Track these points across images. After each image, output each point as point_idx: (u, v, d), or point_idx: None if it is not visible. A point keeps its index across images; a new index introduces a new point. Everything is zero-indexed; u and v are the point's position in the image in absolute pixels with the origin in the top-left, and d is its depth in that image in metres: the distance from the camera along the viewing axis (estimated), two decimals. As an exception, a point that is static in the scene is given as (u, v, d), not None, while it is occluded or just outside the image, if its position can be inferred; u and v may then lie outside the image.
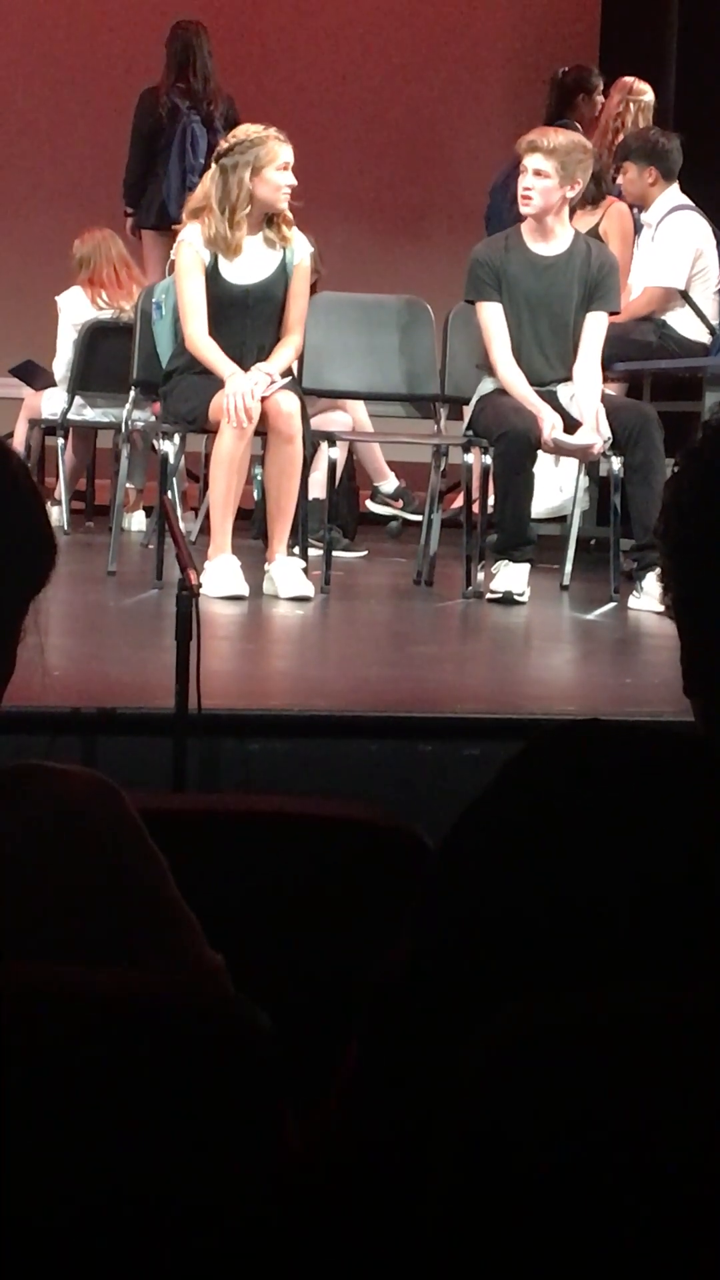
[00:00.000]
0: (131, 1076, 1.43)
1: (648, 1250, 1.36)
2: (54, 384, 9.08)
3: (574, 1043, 1.38)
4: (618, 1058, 1.37)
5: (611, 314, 7.15)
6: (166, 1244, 1.43)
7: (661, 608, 6.17)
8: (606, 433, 6.84)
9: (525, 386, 6.86)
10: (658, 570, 7.33)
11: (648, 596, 6.61)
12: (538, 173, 6.90)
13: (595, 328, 7.00)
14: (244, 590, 6.46)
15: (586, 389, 6.89)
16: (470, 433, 7.07)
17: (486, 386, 7.01)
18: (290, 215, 6.86)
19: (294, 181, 6.79)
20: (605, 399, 7.05)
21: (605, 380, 7.57)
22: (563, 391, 6.95)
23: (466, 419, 7.14)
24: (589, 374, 6.94)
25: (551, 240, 7.01)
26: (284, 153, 6.77)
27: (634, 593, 6.72)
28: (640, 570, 6.75)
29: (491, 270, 6.98)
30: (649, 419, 6.91)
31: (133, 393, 7.42)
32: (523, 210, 6.98)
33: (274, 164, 6.75)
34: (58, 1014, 1.43)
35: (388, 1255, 1.46)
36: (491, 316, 6.96)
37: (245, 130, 7.01)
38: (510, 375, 6.88)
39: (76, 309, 8.98)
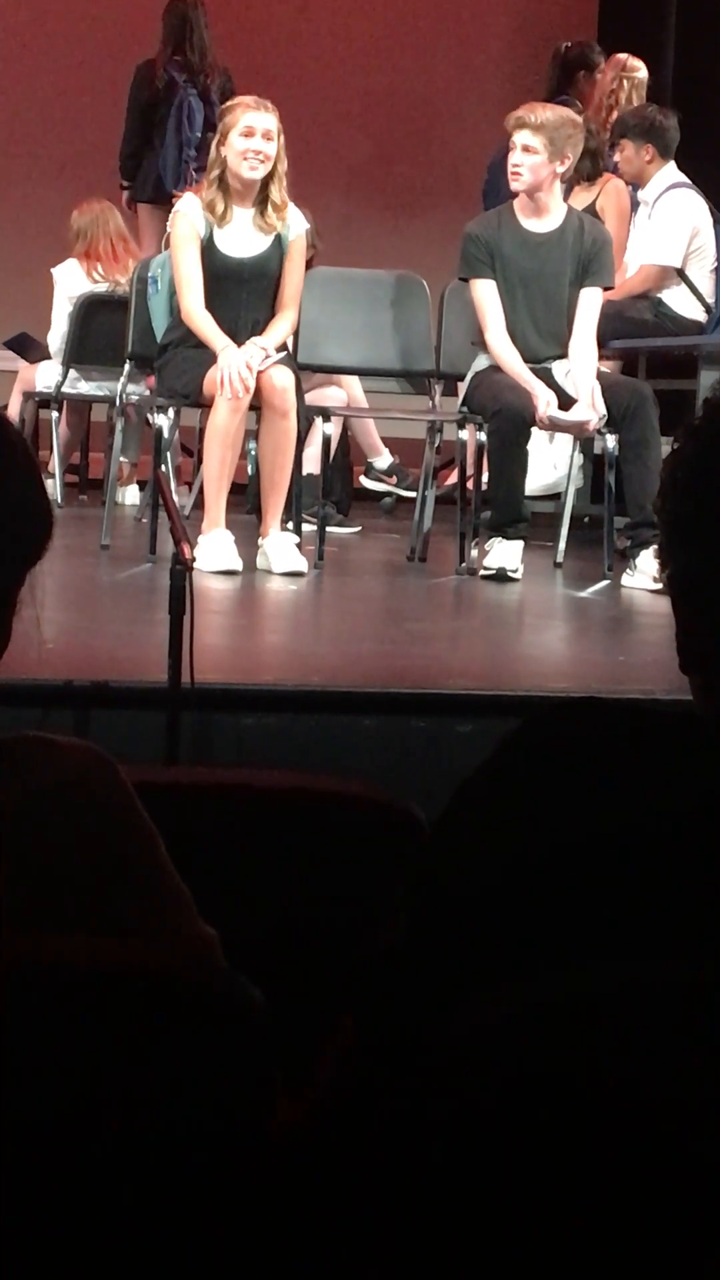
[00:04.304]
0: (123, 1049, 1.43)
1: (643, 1225, 1.37)
2: (49, 357, 9.06)
3: (568, 1018, 1.38)
4: (612, 1033, 1.37)
5: (605, 289, 7.14)
6: (160, 1216, 1.44)
7: (655, 585, 6.14)
8: (602, 409, 6.84)
9: (519, 363, 6.85)
10: (652, 548, 7.34)
11: (641, 574, 6.61)
12: (526, 149, 6.89)
13: (589, 304, 6.99)
14: (237, 565, 6.46)
15: (582, 366, 6.89)
16: (465, 409, 7.06)
17: (481, 363, 7.00)
18: (280, 195, 6.81)
19: (259, 147, 6.69)
20: (601, 376, 7.04)
21: (600, 358, 7.56)
22: (558, 368, 6.94)
23: (461, 395, 7.13)
24: (584, 351, 6.93)
25: (544, 216, 7.00)
26: (248, 118, 6.72)
27: (627, 570, 6.72)
28: (634, 548, 6.75)
29: (484, 247, 6.97)
30: (645, 396, 6.91)
31: (127, 366, 7.41)
32: (512, 187, 6.97)
33: (236, 129, 6.73)
34: (49, 986, 1.44)
35: (380, 1227, 1.47)
36: (485, 294, 6.95)
37: (234, 99, 7.05)
38: (504, 352, 6.88)
39: (72, 282, 8.96)
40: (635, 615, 6.24)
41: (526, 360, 6.88)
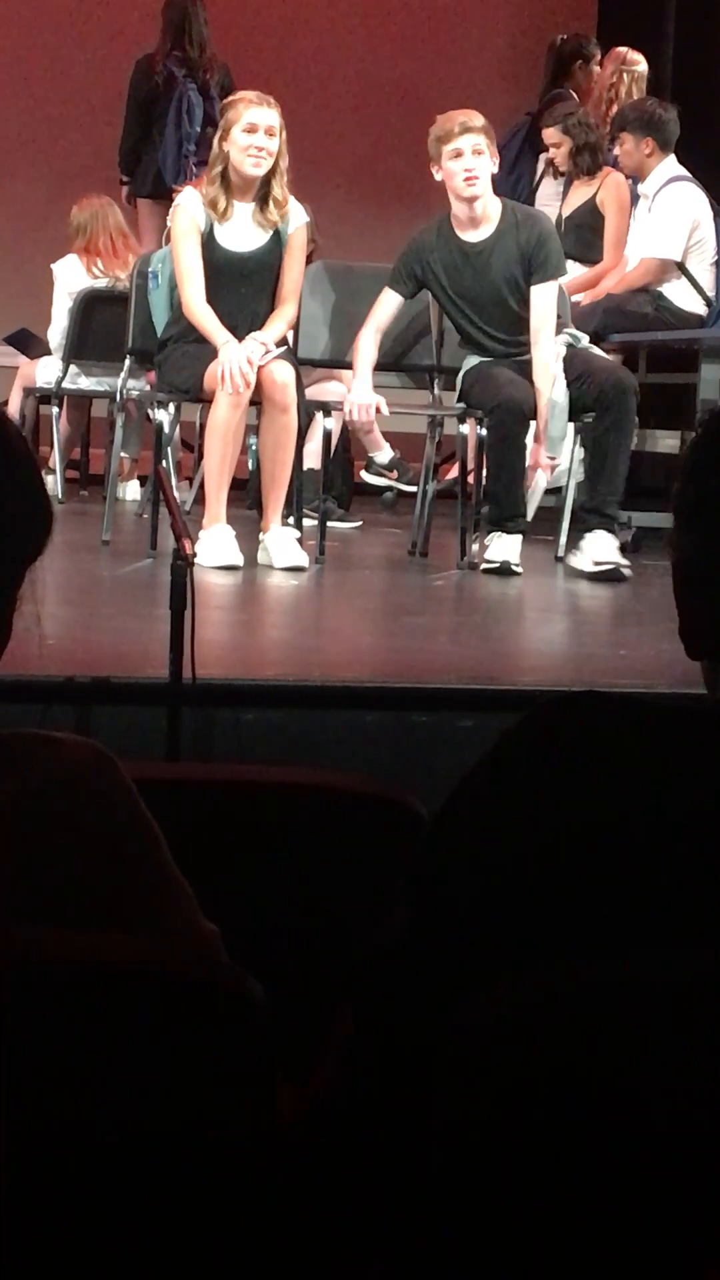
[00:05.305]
0: (125, 1044, 1.43)
1: (644, 1221, 1.37)
2: (49, 352, 9.05)
3: (569, 1013, 1.38)
4: (614, 1028, 1.37)
5: (560, 277, 7.08)
6: (161, 1211, 1.44)
7: (594, 569, 6.38)
8: (557, 450, 6.83)
9: (364, 366, 6.95)
10: (597, 533, 7.39)
11: (583, 556, 6.72)
12: (477, 151, 6.85)
13: (542, 302, 6.91)
14: (238, 560, 6.46)
15: (541, 373, 6.80)
16: (463, 404, 7.06)
17: (471, 361, 7.02)
18: (281, 191, 6.81)
19: (262, 143, 6.69)
20: (586, 360, 6.96)
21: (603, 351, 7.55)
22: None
23: (457, 393, 7.13)
24: (543, 355, 6.83)
25: (481, 225, 6.94)
26: (250, 114, 6.72)
27: (574, 551, 6.79)
28: (581, 530, 6.80)
29: (411, 266, 6.98)
30: (625, 387, 6.85)
31: (128, 361, 7.41)
32: (471, 192, 6.84)
33: (238, 124, 6.72)
34: (52, 982, 1.44)
35: (381, 1223, 1.47)
36: (384, 302, 7.01)
37: (236, 94, 7.05)
38: (360, 350, 6.96)
39: (72, 277, 8.95)
40: (637, 609, 6.24)
41: (507, 356, 6.89)
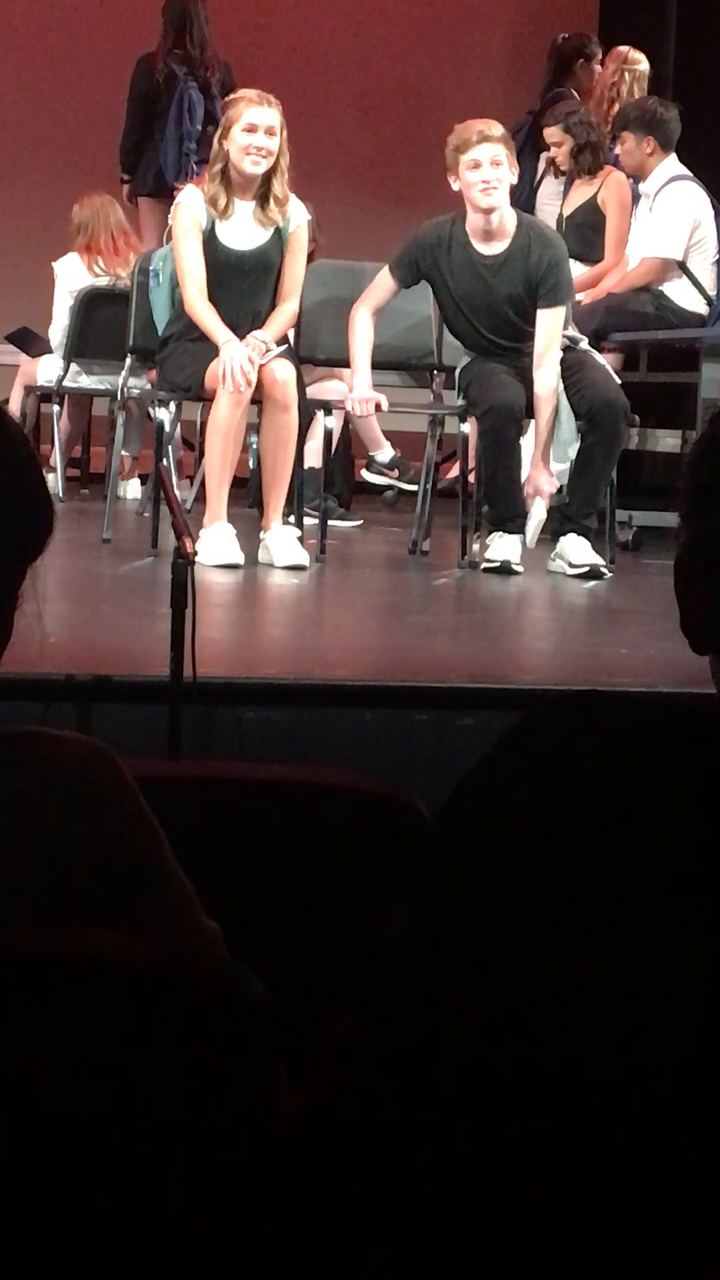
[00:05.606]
0: (126, 1042, 1.43)
1: (647, 1219, 1.37)
2: (50, 351, 9.06)
3: (570, 1011, 1.38)
4: (615, 1026, 1.37)
5: (567, 302, 7.05)
6: (161, 1209, 1.44)
7: (572, 572, 6.48)
8: (570, 435, 6.83)
9: (362, 353, 6.93)
10: (570, 537, 7.47)
11: (561, 560, 6.75)
12: (495, 162, 6.78)
13: (547, 327, 6.86)
14: (239, 559, 6.46)
15: (543, 396, 6.80)
16: (463, 402, 7.06)
17: (467, 357, 7.01)
18: (282, 189, 6.81)
19: (262, 143, 6.68)
20: (583, 370, 6.93)
21: (602, 350, 7.55)
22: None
23: (457, 391, 7.13)
24: (545, 380, 6.81)
25: (495, 240, 6.89)
26: (250, 113, 6.71)
27: (551, 557, 6.83)
28: (556, 536, 6.83)
29: (418, 262, 6.93)
30: (616, 411, 6.80)
31: (129, 360, 7.42)
32: (488, 203, 6.78)
33: (239, 124, 6.72)
34: (53, 980, 1.44)
35: (382, 1220, 1.47)
36: (381, 282, 6.98)
37: (237, 92, 7.05)
38: (358, 337, 6.94)
39: (73, 275, 8.95)
40: (637, 608, 6.24)
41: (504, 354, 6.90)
